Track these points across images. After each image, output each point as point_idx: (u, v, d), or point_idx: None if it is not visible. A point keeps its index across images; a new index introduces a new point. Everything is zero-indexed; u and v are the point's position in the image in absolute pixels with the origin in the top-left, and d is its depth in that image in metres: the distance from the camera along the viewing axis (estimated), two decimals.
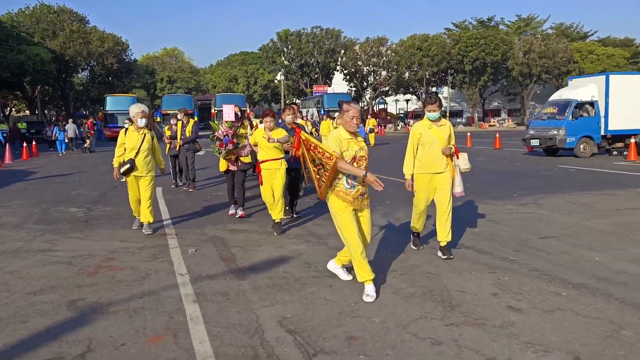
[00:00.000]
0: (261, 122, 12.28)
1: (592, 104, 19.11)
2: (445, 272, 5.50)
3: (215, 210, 9.50)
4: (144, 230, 7.61)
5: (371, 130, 29.12)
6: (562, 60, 57.05)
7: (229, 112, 8.47)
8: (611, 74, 20.18)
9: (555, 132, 18.83)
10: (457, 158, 6.11)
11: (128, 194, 7.76)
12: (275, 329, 4.12)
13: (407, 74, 60.39)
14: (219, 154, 8.29)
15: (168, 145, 12.73)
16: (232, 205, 8.94)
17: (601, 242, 6.57)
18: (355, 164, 4.65)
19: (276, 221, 7.47)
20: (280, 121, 8.37)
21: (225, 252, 6.55)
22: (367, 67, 60.50)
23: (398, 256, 6.17)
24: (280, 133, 7.54)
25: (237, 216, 8.61)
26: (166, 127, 13.03)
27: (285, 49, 62.89)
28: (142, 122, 7.48)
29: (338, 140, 4.68)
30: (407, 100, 67.92)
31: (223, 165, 8.64)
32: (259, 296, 4.89)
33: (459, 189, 6.13)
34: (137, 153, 7.43)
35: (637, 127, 18.84)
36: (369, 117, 33.00)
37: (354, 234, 4.73)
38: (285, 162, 7.59)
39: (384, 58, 59.61)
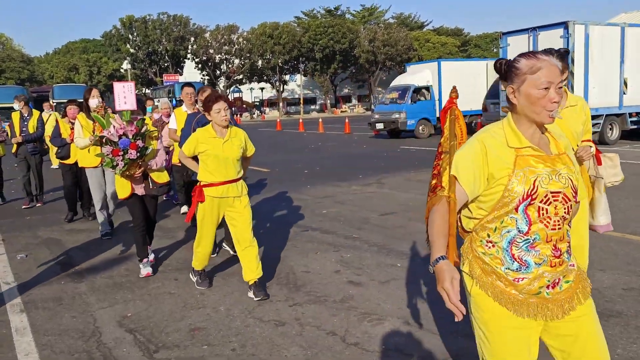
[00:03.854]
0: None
1: (427, 88, 20.76)
2: (292, 255, 5.63)
3: (50, 210, 8.73)
4: None
5: None
6: (403, 48, 60.92)
7: (126, 96, 5.02)
8: (443, 61, 22.07)
9: (397, 116, 20.16)
10: (599, 164, 3.55)
11: None
12: (114, 330, 3.92)
13: (260, 62, 60.52)
14: (113, 168, 4.80)
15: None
16: (145, 261, 5.21)
17: None
18: (534, 212, 1.92)
19: (250, 282, 4.48)
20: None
21: (61, 254, 6.06)
22: (219, 55, 59.56)
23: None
24: (238, 137, 4.51)
25: (148, 262, 5.26)
26: None
27: (130, 36, 59.55)
28: None
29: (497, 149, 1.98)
30: (262, 89, 68.18)
31: (124, 189, 5.07)
32: (97, 297, 4.62)
33: (603, 219, 3.54)
34: None
35: (466, 108, 20.82)
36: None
37: None
38: (245, 185, 4.64)
39: (236, 46, 59.12)
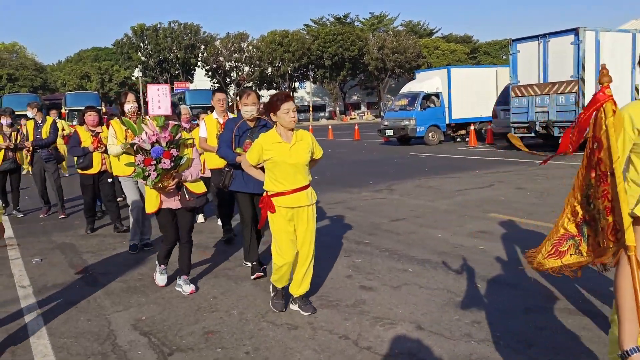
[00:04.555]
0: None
1: (437, 95, 20.76)
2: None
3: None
4: None
5: None
6: (412, 55, 61.00)
7: (160, 100, 4.52)
8: (452, 68, 22.07)
9: (407, 122, 20.17)
10: None
11: None
12: (129, 333, 3.96)
13: (269, 70, 60.87)
14: (144, 179, 4.35)
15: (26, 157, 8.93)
16: (162, 267, 4.95)
17: (443, 221, 7.18)
18: None
19: (295, 295, 4.30)
20: (236, 116, 5.59)
21: (75, 259, 6.14)
22: (229, 63, 59.99)
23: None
24: (305, 140, 4.11)
25: (186, 292, 4.75)
26: None
27: (141, 44, 60.17)
28: None
29: None
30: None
31: (151, 202, 4.68)
32: (112, 301, 4.67)
33: None
34: None
35: (476, 115, 20.82)
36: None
37: None
38: (314, 192, 4.24)
39: (246, 54, 59.52)
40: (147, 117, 4.62)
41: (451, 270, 5.08)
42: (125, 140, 5.73)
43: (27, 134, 8.68)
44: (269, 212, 4.07)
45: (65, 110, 37.78)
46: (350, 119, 62.86)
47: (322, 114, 70.51)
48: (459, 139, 21.30)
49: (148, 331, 3.98)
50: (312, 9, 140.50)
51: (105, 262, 5.96)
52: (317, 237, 6.37)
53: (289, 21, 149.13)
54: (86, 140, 7.20)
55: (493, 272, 4.96)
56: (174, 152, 4.33)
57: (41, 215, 8.79)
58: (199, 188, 4.73)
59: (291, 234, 4.11)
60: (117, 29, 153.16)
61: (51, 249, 6.65)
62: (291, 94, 63.20)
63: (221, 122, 6.30)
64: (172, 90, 55.31)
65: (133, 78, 62.24)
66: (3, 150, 8.50)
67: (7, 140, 8.49)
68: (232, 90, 61.90)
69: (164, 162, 4.26)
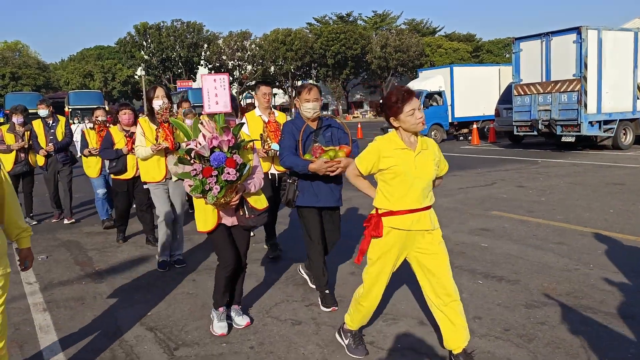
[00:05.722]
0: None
1: (440, 93, 20.79)
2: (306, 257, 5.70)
3: None
4: None
5: None
6: (415, 54, 60.99)
7: (217, 93, 3.61)
8: (455, 66, 22.11)
9: None
10: None
11: None
12: (135, 329, 4.03)
13: (272, 68, 60.97)
14: (203, 194, 3.41)
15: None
16: (221, 310, 3.92)
17: (445, 218, 7.22)
18: None
19: (456, 352, 3.26)
20: (294, 114, 4.15)
21: (80, 256, 6.21)
22: (232, 62, 60.09)
23: (262, 245, 6.28)
24: (431, 148, 3.30)
25: (240, 325, 3.96)
26: (3, 129, 8.00)
27: (144, 42, 60.29)
28: None
29: None
30: (275, 94, 68.66)
31: (207, 219, 3.76)
32: (118, 297, 4.74)
33: None
34: None
35: (478, 114, 20.86)
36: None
37: None
38: (435, 214, 3.36)
39: (249, 52, 59.63)
40: (201, 114, 3.80)
41: (453, 267, 5.11)
42: (156, 141, 5.31)
43: (36, 136, 7.92)
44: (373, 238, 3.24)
45: (69, 109, 37.82)
46: (353, 117, 62.92)
47: (325, 113, 70.43)
48: (461, 138, 21.33)
49: (154, 326, 4.05)
50: (315, 7, 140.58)
51: (110, 259, 6.03)
52: None
53: (291, 20, 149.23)
54: (119, 142, 6.45)
55: (494, 269, 5.01)
56: (237, 159, 3.41)
57: (53, 221, 8.29)
58: (261, 203, 3.81)
59: (392, 266, 3.28)
60: (120, 28, 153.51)
61: (56, 246, 6.72)
62: (294, 93, 63.37)
63: (265, 120, 5.56)
64: (175, 88, 55.53)
65: (136, 77, 62.42)
66: (15, 152, 7.85)
67: (20, 141, 7.83)
68: (234, 88, 62.04)
69: (228, 173, 3.34)
